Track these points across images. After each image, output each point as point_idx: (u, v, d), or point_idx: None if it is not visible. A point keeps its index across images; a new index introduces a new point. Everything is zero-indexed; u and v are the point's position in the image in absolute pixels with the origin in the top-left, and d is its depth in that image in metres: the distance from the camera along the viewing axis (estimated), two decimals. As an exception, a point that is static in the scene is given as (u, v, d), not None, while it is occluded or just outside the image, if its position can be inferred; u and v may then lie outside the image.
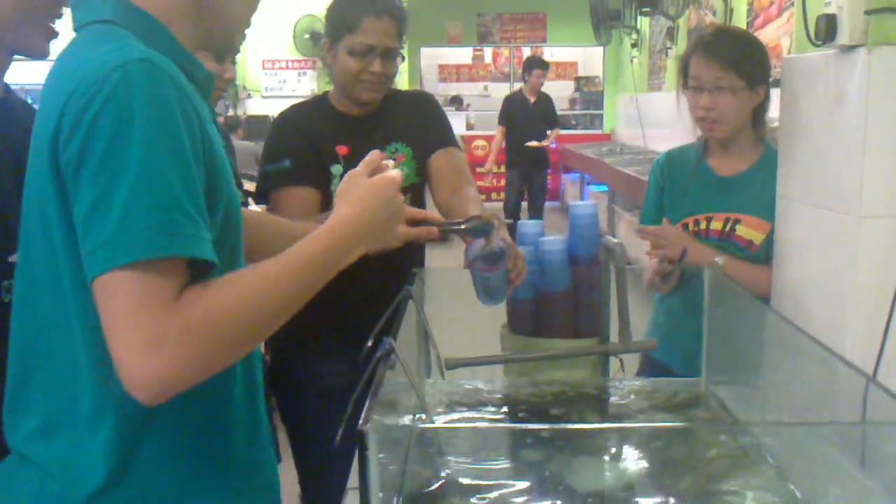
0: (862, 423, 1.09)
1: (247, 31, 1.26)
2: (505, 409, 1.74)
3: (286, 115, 2.20)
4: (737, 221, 2.11)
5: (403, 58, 2.15)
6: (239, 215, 1.18)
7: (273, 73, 9.58)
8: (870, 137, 1.75)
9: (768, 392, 1.60)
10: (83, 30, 1.11)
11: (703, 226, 2.14)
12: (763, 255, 2.08)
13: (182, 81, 1.04)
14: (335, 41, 2.07)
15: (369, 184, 1.20)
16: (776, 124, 2.12)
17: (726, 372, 1.80)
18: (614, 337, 1.78)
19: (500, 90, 11.44)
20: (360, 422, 1.00)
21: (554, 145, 8.22)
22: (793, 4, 4.59)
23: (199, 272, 1.00)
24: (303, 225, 1.78)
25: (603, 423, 1.63)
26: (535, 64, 8.33)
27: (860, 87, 1.74)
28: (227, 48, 1.27)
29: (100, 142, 0.96)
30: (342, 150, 2.08)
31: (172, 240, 0.95)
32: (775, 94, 2.21)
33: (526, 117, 8.09)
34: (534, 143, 7.99)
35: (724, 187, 2.16)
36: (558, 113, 8.80)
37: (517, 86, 9.12)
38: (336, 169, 2.08)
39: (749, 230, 2.10)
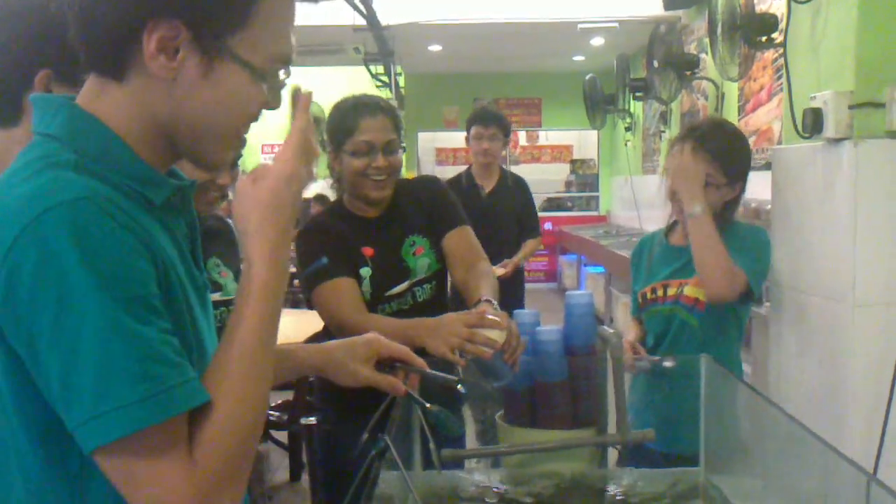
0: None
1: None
2: (502, 502, 1.72)
3: (311, 224, 2.28)
4: (684, 285, 2.23)
5: (405, 149, 2.25)
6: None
7: (272, 156, 9.68)
8: (860, 227, 1.77)
9: (768, 484, 1.59)
10: (33, 141, 0.98)
11: (659, 293, 2.28)
12: (711, 313, 2.17)
13: (126, 215, 0.90)
14: (339, 148, 2.18)
15: (258, 191, 1.07)
16: (769, 207, 2.15)
17: (725, 462, 1.79)
18: (612, 426, 1.77)
19: (497, 172, 11.51)
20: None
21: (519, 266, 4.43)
22: (782, 90, 4.67)
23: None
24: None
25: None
26: (475, 118, 4.65)
27: (848, 178, 1.77)
28: (211, 166, 1.08)
29: (45, 310, 0.85)
30: (368, 251, 2.16)
31: (158, 402, 0.87)
32: (761, 180, 2.25)
33: (477, 217, 3.61)
34: (499, 271, 3.88)
35: (678, 256, 2.28)
36: (553, 196, 5.57)
37: (513, 168, 5.51)
38: (365, 271, 2.14)
39: (694, 289, 2.21)
